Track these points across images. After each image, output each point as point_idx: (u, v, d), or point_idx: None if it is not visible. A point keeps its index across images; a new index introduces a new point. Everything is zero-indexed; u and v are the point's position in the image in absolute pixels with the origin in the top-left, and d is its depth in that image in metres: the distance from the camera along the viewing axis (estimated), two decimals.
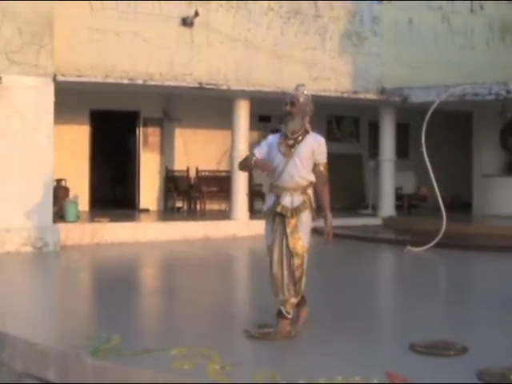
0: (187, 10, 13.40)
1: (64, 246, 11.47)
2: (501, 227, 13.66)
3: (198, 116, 15.90)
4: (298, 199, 5.60)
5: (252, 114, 14.52)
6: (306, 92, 5.69)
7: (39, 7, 11.21)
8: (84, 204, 14.50)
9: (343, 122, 17.90)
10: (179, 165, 16.05)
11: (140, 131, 16.04)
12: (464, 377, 4.54)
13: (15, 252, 10.86)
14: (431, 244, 11.48)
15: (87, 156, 15.47)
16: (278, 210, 5.61)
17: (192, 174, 16.05)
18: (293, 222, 5.58)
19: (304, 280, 5.68)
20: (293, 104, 5.61)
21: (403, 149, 17.38)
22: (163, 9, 13.23)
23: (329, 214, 5.70)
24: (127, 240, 12.37)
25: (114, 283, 8.37)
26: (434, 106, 12.19)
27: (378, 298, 8.13)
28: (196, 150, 16.09)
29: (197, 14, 13.26)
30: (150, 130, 16.10)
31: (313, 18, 14.77)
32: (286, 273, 5.62)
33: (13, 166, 11.11)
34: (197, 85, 13.31)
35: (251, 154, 5.86)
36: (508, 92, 13.90)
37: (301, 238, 5.60)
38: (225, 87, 13.55)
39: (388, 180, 15.77)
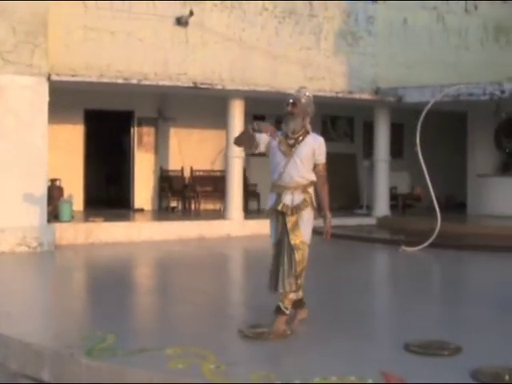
0: (182, 10, 13.39)
1: (58, 245, 11.47)
2: (495, 227, 13.70)
3: (192, 116, 15.90)
4: (298, 197, 5.71)
5: (246, 114, 14.51)
6: (307, 93, 5.81)
7: (34, 7, 11.19)
8: (78, 204, 14.48)
9: (338, 121, 17.91)
10: (174, 164, 16.04)
11: (134, 131, 16.03)
12: (458, 376, 4.55)
13: (10, 252, 10.84)
14: (426, 244, 11.50)
15: (82, 156, 15.45)
16: (279, 208, 5.72)
17: (186, 173, 16.05)
18: (293, 219, 5.68)
19: (303, 275, 5.75)
20: (294, 104, 5.72)
21: (398, 149, 17.42)
22: (158, 8, 13.22)
23: (328, 214, 5.84)
24: (122, 240, 12.36)
25: (109, 283, 8.37)
26: (429, 106, 12.21)
27: (373, 297, 8.14)
28: (190, 150, 16.09)
29: (191, 13, 13.25)
30: (145, 129, 16.09)
31: (307, 18, 14.78)
32: (286, 267, 5.68)
33: (7, 165, 11.09)
34: (191, 84, 13.31)
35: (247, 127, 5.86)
36: (502, 92, 13.94)
37: (301, 233, 5.69)
38: (219, 87, 13.56)
39: (382, 180, 15.79)
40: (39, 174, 11.32)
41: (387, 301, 8.05)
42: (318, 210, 5.84)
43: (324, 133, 17.07)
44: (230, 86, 13.66)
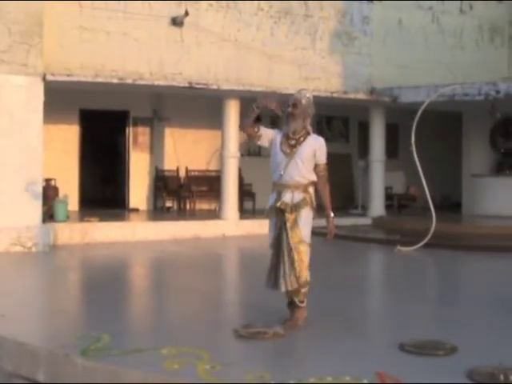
0: (177, 10, 13.39)
1: (53, 245, 11.45)
2: (490, 227, 13.72)
3: (187, 116, 15.89)
4: (298, 196, 5.78)
5: (242, 114, 14.49)
6: (308, 95, 5.90)
7: (29, 6, 11.17)
8: (74, 204, 14.46)
9: (333, 122, 17.91)
10: (169, 164, 16.03)
11: (130, 131, 16.01)
12: (453, 376, 4.55)
13: (4, 252, 10.82)
14: (421, 244, 11.52)
15: (77, 156, 15.42)
16: (278, 205, 5.78)
17: (182, 173, 16.04)
18: (292, 217, 5.75)
19: (306, 274, 5.80)
20: (295, 106, 5.81)
21: (393, 149, 17.43)
22: (153, 8, 13.22)
23: (331, 213, 5.92)
24: (117, 240, 12.35)
25: (104, 283, 8.35)
26: (424, 106, 12.23)
27: (368, 297, 8.14)
28: (186, 150, 16.08)
29: (187, 13, 13.25)
30: (140, 129, 16.07)
31: (303, 18, 14.78)
32: (286, 266, 5.73)
33: (2, 165, 11.07)
34: (187, 84, 13.31)
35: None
36: (497, 92, 13.97)
37: (300, 232, 5.75)
38: (215, 87, 13.55)
39: (378, 180, 15.81)
40: (34, 173, 11.30)
41: (382, 301, 8.05)
42: (318, 210, 5.89)
43: (319, 133, 16.76)
44: (225, 86, 13.66)
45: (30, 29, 11.22)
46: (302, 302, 5.90)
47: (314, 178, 5.86)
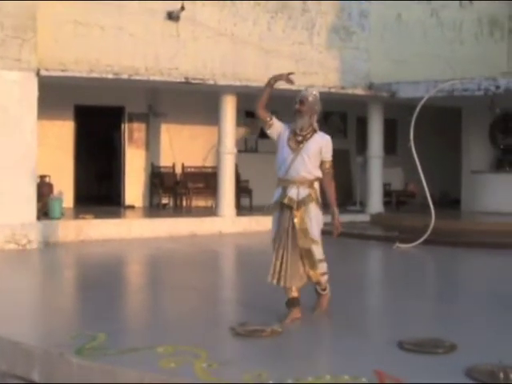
0: (173, 4, 13.35)
1: (48, 243, 11.42)
2: (489, 223, 13.75)
3: (184, 111, 15.87)
4: (304, 192, 5.91)
5: (239, 110, 14.50)
6: (314, 92, 6.11)
7: (22, 1, 11.13)
8: (68, 201, 14.45)
9: (331, 117, 17.90)
10: (165, 161, 16.02)
11: (125, 127, 15.99)
12: (453, 375, 4.56)
13: None
14: (420, 241, 11.53)
15: (71, 152, 15.40)
16: (285, 201, 5.91)
17: (178, 170, 16.03)
18: (300, 214, 5.88)
19: (324, 265, 6.05)
20: (302, 103, 5.98)
21: (391, 145, 17.43)
22: (148, 2, 13.18)
23: (336, 210, 6.06)
24: (112, 237, 12.34)
25: (99, 281, 8.35)
26: (423, 101, 12.23)
27: (367, 295, 8.15)
28: (182, 146, 16.06)
29: (183, 8, 13.22)
30: (136, 125, 16.05)
31: (300, 13, 14.76)
32: (295, 262, 5.89)
33: None
34: (183, 80, 13.28)
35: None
36: (497, 87, 13.96)
37: (308, 228, 5.89)
38: (211, 82, 13.53)
39: (376, 176, 15.81)
40: (28, 170, 11.27)
41: (381, 298, 8.06)
42: (323, 207, 6.02)
43: None
44: (221, 81, 13.64)
45: (23, 23, 11.18)
46: (324, 289, 6.21)
47: (319, 174, 6.00)
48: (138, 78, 12.95)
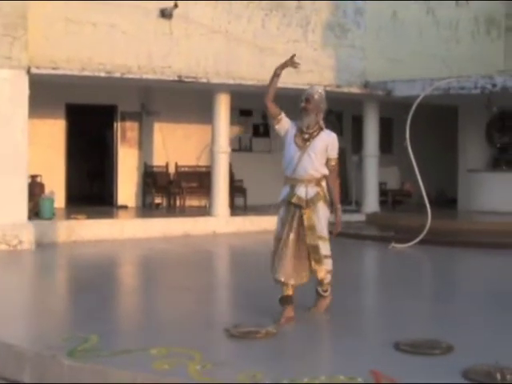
0: (166, 2, 13.33)
1: (39, 243, 11.38)
2: (486, 223, 13.77)
3: (177, 110, 15.85)
4: (312, 190, 6.05)
5: (233, 108, 14.50)
6: (320, 90, 6.23)
7: None
8: (60, 201, 14.41)
9: (326, 116, 17.88)
10: (158, 160, 16.00)
11: (118, 126, 15.96)
12: (449, 376, 4.56)
13: None
14: (416, 240, 11.54)
15: (63, 151, 15.36)
16: (294, 200, 6.03)
17: (171, 169, 16.02)
18: (308, 213, 6.01)
19: (329, 262, 6.16)
20: (308, 101, 6.10)
21: (387, 143, 17.45)
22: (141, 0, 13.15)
23: (339, 207, 6.27)
24: (105, 237, 12.31)
25: (91, 282, 8.33)
26: (419, 99, 12.24)
27: (363, 295, 8.16)
28: (175, 145, 16.05)
29: (176, 5, 13.20)
30: (128, 124, 16.02)
31: (295, 10, 14.76)
32: (300, 260, 6.02)
33: None
34: (176, 78, 13.27)
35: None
36: (494, 85, 13.99)
37: (317, 227, 6.03)
38: (204, 80, 13.52)
39: (372, 175, 15.83)
40: (19, 170, 11.24)
41: (377, 299, 8.07)
42: (330, 204, 6.20)
43: None
44: (215, 80, 13.63)
45: (13, 21, 11.15)
46: (326, 291, 6.28)
47: (325, 171, 6.13)
48: (130, 76, 12.93)
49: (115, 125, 15.97)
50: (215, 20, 13.94)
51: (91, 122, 16.91)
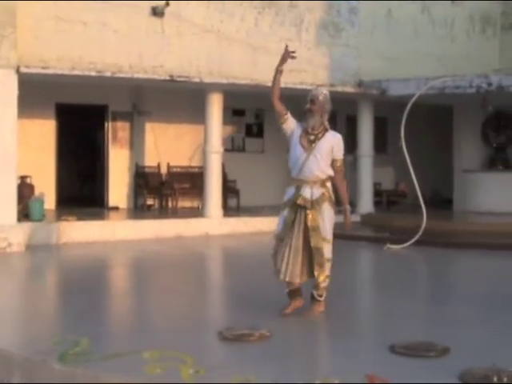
0: (157, 0, 13.32)
1: (29, 246, 11.36)
2: (482, 224, 13.79)
3: (169, 110, 15.83)
4: (317, 191, 6.19)
5: (225, 108, 14.49)
6: (325, 91, 6.36)
7: None
8: (50, 202, 14.37)
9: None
10: (150, 161, 15.97)
11: (109, 126, 15.93)
12: (446, 378, 4.56)
13: None
14: (411, 241, 11.55)
15: (53, 152, 15.33)
16: (299, 201, 6.15)
17: (163, 170, 16.00)
18: (313, 214, 6.13)
19: (329, 266, 6.24)
20: (313, 102, 6.20)
21: (381, 143, 17.47)
22: None
23: (347, 207, 6.46)
24: (96, 239, 12.29)
25: (82, 284, 8.30)
26: (414, 99, 12.26)
27: (357, 297, 8.16)
28: (167, 146, 16.03)
29: (167, 3, 13.19)
30: (119, 124, 16.00)
31: (288, 8, 14.77)
32: (303, 260, 6.15)
33: None
34: (168, 77, 13.26)
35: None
36: (489, 85, 14.02)
37: (321, 228, 6.15)
38: (197, 80, 13.51)
39: (366, 175, 15.84)
40: (8, 171, 11.22)
41: (372, 300, 8.07)
42: (336, 204, 6.34)
43: None
44: (207, 79, 13.63)
45: (2, 19, 11.12)
46: (321, 296, 6.31)
47: (331, 172, 6.27)
48: (121, 75, 12.92)
49: (106, 125, 15.94)
50: (207, 19, 13.93)
51: (82, 122, 16.87)
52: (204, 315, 6.69)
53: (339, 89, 14.94)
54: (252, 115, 17.02)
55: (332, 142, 6.23)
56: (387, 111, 16.68)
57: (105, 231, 12.61)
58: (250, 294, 7.18)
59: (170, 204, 15.43)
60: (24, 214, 12.27)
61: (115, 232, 12.67)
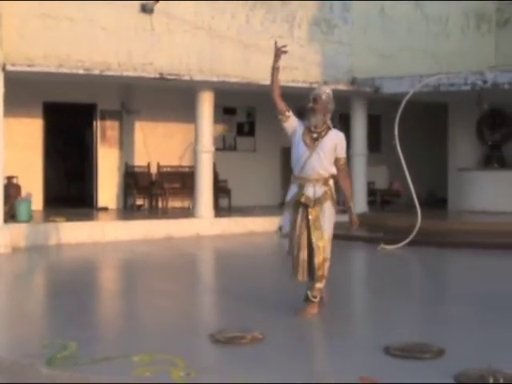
0: None
1: (16, 247, 11.32)
2: (477, 223, 13.80)
3: (158, 108, 15.82)
4: (320, 190, 6.30)
5: (216, 106, 14.48)
6: (327, 90, 6.44)
7: None
8: (38, 203, 14.34)
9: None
10: (139, 160, 15.95)
11: (97, 125, 15.90)
12: (441, 380, 4.57)
13: None
14: (405, 241, 11.57)
15: (41, 151, 15.29)
16: (302, 200, 6.25)
17: (153, 169, 15.98)
18: (315, 212, 6.23)
19: (327, 265, 6.34)
20: (315, 101, 6.29)
21: (375, 142, 17.49)
22: None
23: (352, 206, 6.59)
24: (85, 240, 12.26)
25: (71, 287, 8.28)
26: (408, 96, 12.28)
27: (351, 298, 8.17)
28: (157, 145, 16.01)
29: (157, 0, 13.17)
30: (108, 123, 15.97)
31: (280, 5, 14.76)
32: (304, 258, 6.27)
33: None
34: (157, 75, 13.23)
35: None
36: (484, 82, 14.05)
37: (322, 230, 6.25)
38: (187, 78, 13.49)
39: (360, 174, 15.84)
40: None
41: (367, 301, 8.08)
42: (339, 203, 6.48)
43: None
44: (198, 77, 13.61)
45: None
46: (315, 297, 6.37)
47: (333, 171, 6.37)
48: (110, 73, 12.89)
49: (95, 124, 15.91)
50: (198, 15, 13.91)
51: (70, 121, 16.86)
52: (195, 317, 6.69)
53: (332, 86, 14.69)
54: (243, 114, 17.01)
55: (335, 141, 6.31)
56: (381, 109, 16.71)
57: (94, 232, 12.59)
58: (242, 296, 7.17)
59: (160, 204, 15.42)
60: (10, 215, 12.23)
61: (105, 233, 12.65)
